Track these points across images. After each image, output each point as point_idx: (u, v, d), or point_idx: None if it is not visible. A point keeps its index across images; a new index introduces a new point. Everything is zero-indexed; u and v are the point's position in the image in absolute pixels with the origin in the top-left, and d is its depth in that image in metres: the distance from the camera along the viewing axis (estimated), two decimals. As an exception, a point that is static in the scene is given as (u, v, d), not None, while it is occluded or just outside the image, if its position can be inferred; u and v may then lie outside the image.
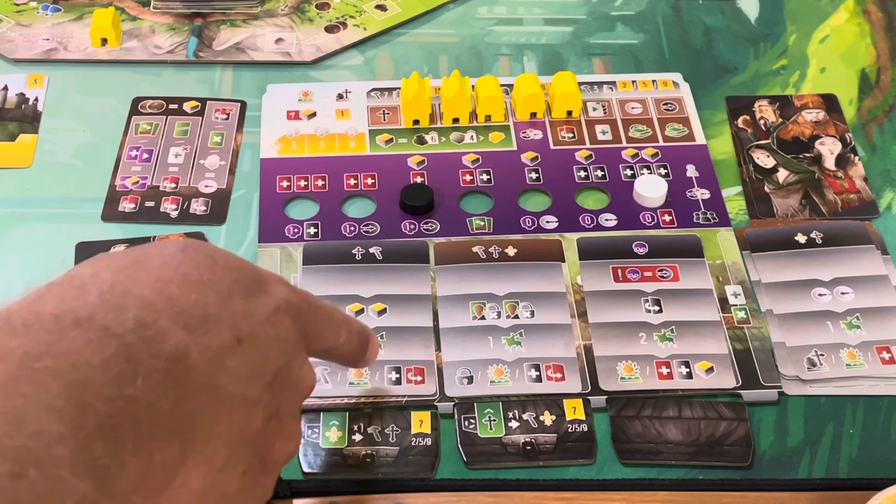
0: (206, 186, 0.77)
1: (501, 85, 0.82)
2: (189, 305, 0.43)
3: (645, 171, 0.77)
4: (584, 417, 0.63)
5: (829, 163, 0.79)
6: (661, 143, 0.80)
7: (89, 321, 0.40)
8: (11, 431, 0.36)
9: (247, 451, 0.46)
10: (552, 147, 0.79)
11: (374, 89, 0.83)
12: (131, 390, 0.39)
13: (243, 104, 0.83)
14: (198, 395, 0.42)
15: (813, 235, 0.73)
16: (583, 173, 0.77)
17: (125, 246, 0.72)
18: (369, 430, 0.62)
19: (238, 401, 0.44)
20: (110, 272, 0.43)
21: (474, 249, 0.72)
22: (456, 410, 0.63)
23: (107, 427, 0.38)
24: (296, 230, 0.73)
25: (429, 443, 0.62)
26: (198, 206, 0.75)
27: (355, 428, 0.62)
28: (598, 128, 0.81)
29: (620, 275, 0.70)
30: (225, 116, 0.82)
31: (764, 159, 0.79)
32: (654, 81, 0.84)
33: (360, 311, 0.68)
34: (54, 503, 0.36)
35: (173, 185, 0.76)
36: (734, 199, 0.76)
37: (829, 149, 0.80)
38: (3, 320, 0.40)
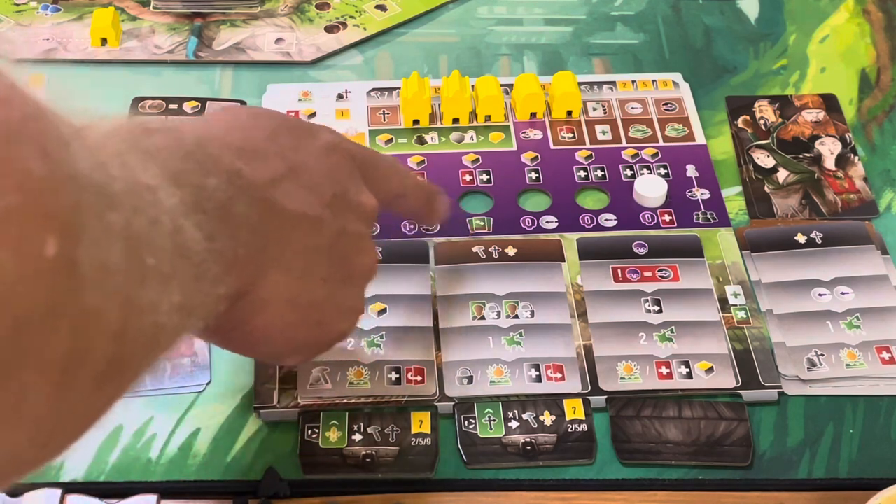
0: (206, 186, 0.76)
1: (501, 85, 0.82)
2: (237, 141, 0.47)
3: (645, 171, 0.77)
4: (584, 417, 0.63)
5: (829, 163, 0.79)
6: (661, 143, 0.80)
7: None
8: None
9: (322, 261, 0.50)
10: (552, 147, 0.79)
11: (374, 89, 0.83)
12: (212, 180, 0.43)
13: (243, 104, 0.83)
14: (261, 206, 0.46)
15: (813, 235, 0.73)
16: (583, 173, 0.77)
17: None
18: (369, 430, 0.62)
19: (300, 217, 0.49)
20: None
21: (474, 249, 0.72)
22: (456, 410, 0.63)
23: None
24: (296, 230, 0.73)
25: (429, 443, 0.62)
26: (198, 206, 0.75)
27: (355, 428, 0.62)
28: (598, 128, 0.81)
29: (620, 275, 0.70)
30: (225, 116, 0.82)
31: (764, 159, 0.79)
32: (654, 81, 0.84)
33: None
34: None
35: (173, 185, 0.76)
36: (734, 199, 0.76)
37: (829, 149, 0.80)
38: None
